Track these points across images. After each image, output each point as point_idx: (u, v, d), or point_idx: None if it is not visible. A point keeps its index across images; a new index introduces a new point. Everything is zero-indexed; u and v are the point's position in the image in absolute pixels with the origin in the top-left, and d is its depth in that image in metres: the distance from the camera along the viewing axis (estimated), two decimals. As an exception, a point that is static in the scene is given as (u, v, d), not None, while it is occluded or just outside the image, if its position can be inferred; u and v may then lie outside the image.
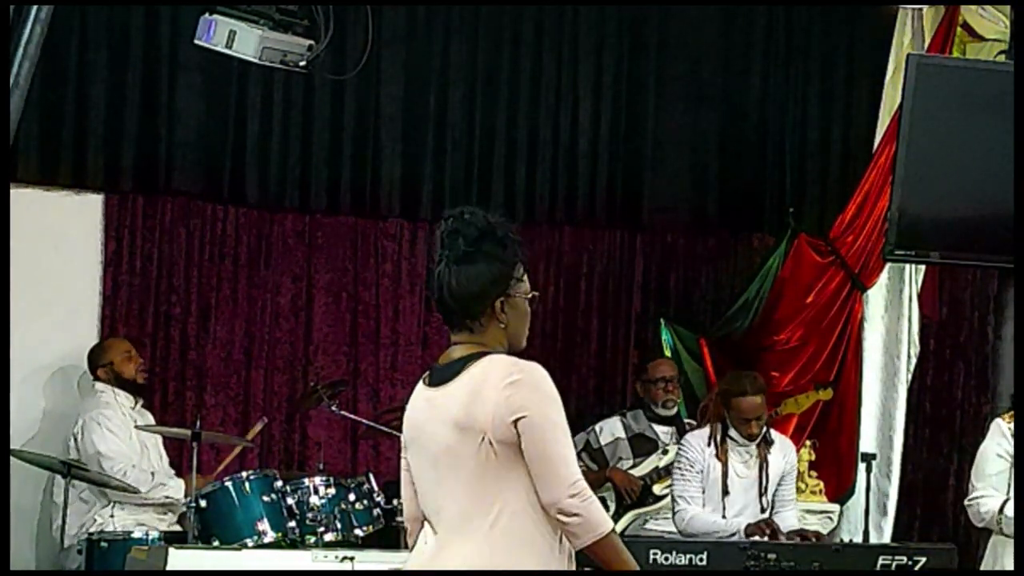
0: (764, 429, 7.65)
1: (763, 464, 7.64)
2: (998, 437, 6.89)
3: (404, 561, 4.36)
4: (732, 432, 7.59)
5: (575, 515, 3.94)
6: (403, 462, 4.27)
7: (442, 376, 4.11)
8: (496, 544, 3.97)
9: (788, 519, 7.70)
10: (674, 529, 7.75)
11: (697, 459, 7.63)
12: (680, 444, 7.87)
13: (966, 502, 6.98)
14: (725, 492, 7.58)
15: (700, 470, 7.62)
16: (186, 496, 7.60)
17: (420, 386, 4.20)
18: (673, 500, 7.75)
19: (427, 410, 4.11)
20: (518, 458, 3.97)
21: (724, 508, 7.56)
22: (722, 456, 7.58)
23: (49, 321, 8.58)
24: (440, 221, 4.14)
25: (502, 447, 3.96)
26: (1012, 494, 6.79)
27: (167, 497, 8.09)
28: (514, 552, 3.97)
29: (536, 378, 4.00)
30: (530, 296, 4.16)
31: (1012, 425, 6.85)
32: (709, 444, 7.61)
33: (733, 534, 7.43)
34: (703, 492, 7.63)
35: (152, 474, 8.09)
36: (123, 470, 7.95)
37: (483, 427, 3.96)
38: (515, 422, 3.95)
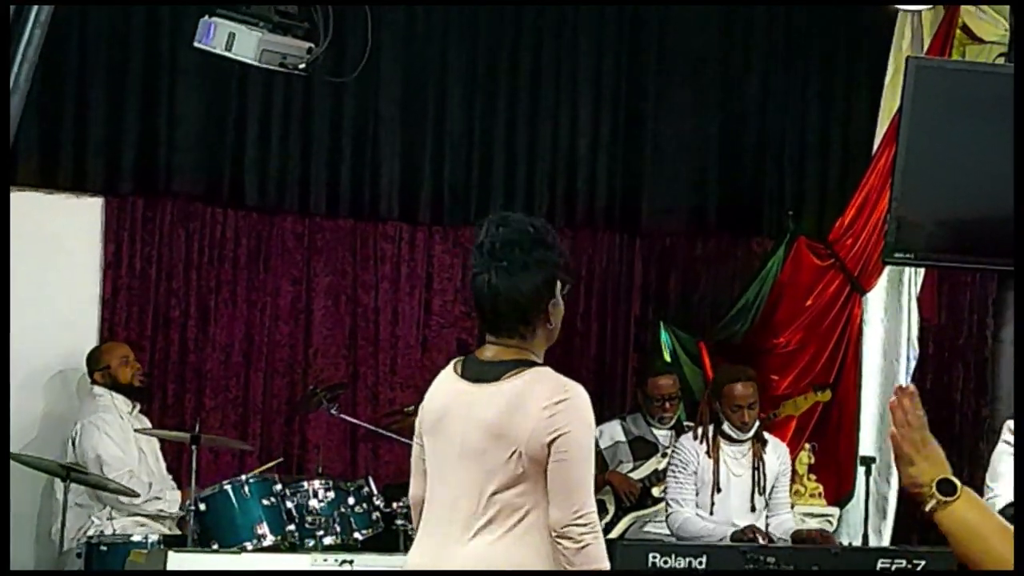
0: (757, 423, 7.68)
1: (758, 463, 7.67)
2: (1006, 435, 6.93)
3: (403, 563, 4.37)
4: (726, 426, 7.62)
5: (577, 542, 3.99)
6: (416, 447, 4.28)
7: (481, 374, 4.13)
8: (510, 550, 4.02)
9: (787, 522, 7.71)
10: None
11: (690, 460, 7.67)
12: (675, 447, 7.91)
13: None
14: (717, 489, 7.60)
15: (694, 471, 7.67)
16: (182, 507, 7.60)
17: (450, 374, 4.21)
18: (666, 502, 7.78)
19: (460, 404, 4.13)
20: (543, 475, 4.02)
21: (713, 505, 7.58)
22: (713, 452, 7.62)
23: (49, 324, 8.58)
24: (483, 228, 4.14)
25: (532, 463, 4.02)
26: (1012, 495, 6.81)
27: (160, 511, 8.08)
28: (526, 561, 4.02)
29: (580, 402, 4.06)
30: (567, 290, 4.23)
31: None
32: (701, 442, 7.64)
33: (722, 538, 7.45)
34: (697, 493, 7.66)
35: (150, 485, 8.08)
36: (120, 477, 7.94)
37: (519, 440, 4.01)
38: (550, 442, 4.00)
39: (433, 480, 4.19)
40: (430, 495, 4.20)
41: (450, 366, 4.25)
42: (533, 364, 4.11)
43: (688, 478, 7.65)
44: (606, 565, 4.07)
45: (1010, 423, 6.98)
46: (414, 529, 4.35)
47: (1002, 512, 6.76)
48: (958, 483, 3.07)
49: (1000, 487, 6.91)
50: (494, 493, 4.03)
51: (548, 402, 4.02)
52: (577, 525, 4.00)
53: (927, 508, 3.10)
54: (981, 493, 7.15)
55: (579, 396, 4.07)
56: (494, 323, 4.15)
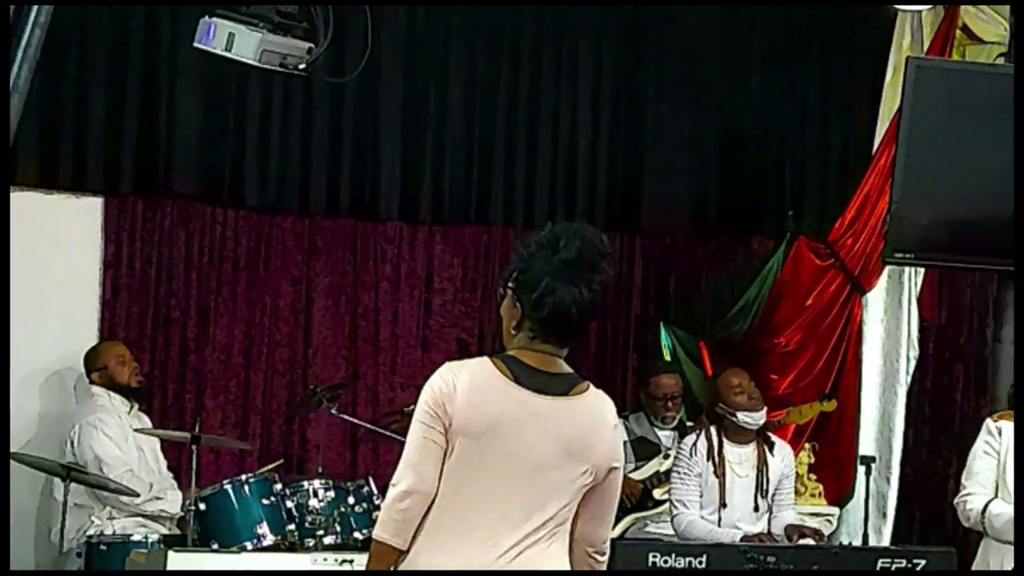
0: (764, 408, 7.70)
1: (762, 466, 7.67)
2: (985, 435, 6.92)
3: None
4: (739, 415, 7.61)
5: (606, 554, 4.23)
6: (431, 432, 4.08)
7: (545, 385, 4.09)
8: (554, 561, 4.11)
9: (788, 517, 7.72)
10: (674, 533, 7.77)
11: (695, 463, 7.66)
12: (679, 448, 7.90)
13: (955, 501, 7.00)
14: (723, 504, 7.60)
15: (698, 473, 7.65)
16: (183, 507, 7.61)
17: (499, 378, 4.08)
18: (671, 503, 7.78)
19: (528, 416, 4.07)
20: (587, 493, 4.15)
21: (720, 519, 7.59)
22: (719, 470, 7.62)
23: (48, 324, 8.58)
24: (558, 240, 4.06)
25: (593, 481, 4.12)
26: (999, 493, 6.80)
27: (162, 510, 8.07)
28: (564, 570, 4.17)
29: None
30: None
31: (1000, 424, 6.87)
32: (707, 459, 7.64)
33: (728, 542, 7.45)
34: (701, 496, 7.65)
35: (150, 484, 8.08)
36: (120, 477, 7.94)
37: (591, 459, 4.10)
38: (614, 466, 4.15)
39: (464, 483, 4.08)
40: (458, 496, 4.09)
41: (484, 367, 4.11)
42: (586, 381, 4.16)
43: (692, 480, 7.65)
44: None
45: (988, 421, 6.98)
46: (402, 521, 4.17)
47: (985, 511, 6.76)
48: None
49: (972, 485, 6.91)
50: (559, 508, 4.08)
51: (613, 423, 4.17)
52: (608, 541, 4.23)
53: None
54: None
55: None
56: (568, 336, 4.12)
